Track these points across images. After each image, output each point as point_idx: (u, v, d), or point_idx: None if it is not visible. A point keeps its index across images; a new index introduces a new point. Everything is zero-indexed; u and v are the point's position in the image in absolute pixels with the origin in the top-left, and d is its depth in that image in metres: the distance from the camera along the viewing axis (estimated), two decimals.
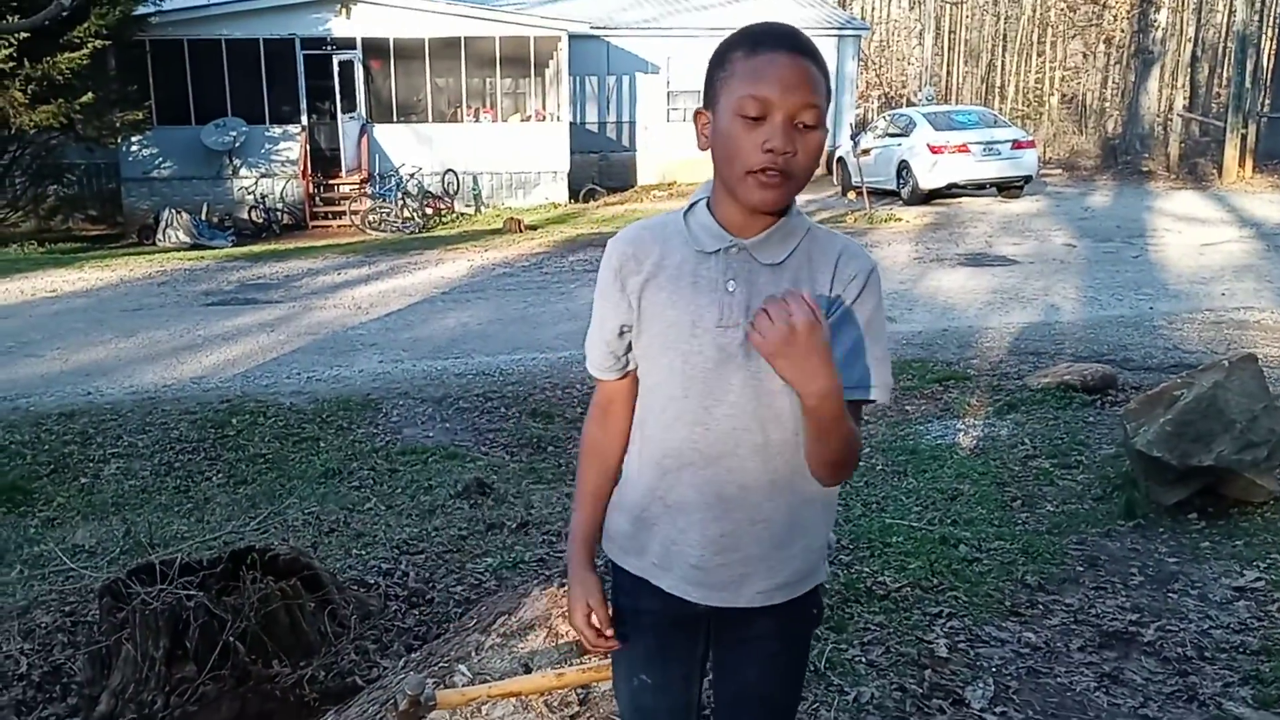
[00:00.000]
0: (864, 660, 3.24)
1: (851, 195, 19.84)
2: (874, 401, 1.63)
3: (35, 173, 20.83)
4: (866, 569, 3.84)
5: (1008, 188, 19.09)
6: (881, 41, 47.90)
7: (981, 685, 3.12)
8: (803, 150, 1.55)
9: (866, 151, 19.49)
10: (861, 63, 31.86)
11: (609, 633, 1.80)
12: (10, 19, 11.09)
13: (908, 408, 6.65)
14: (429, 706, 1.83)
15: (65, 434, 6.81)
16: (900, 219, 16.70)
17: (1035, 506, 4.68)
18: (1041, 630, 3.48)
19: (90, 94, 17.91)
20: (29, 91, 17.30)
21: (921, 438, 5.88)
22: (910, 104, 37.15)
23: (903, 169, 18.96)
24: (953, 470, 5.22)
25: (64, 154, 20.76)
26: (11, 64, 16.85)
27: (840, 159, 21.65)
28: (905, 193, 18.89)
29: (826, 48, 25.76)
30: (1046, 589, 3.79)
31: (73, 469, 6.28)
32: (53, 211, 20.97)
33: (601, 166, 25.17)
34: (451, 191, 22.14)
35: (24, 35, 16.61)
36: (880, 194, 18.92)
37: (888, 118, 21.95)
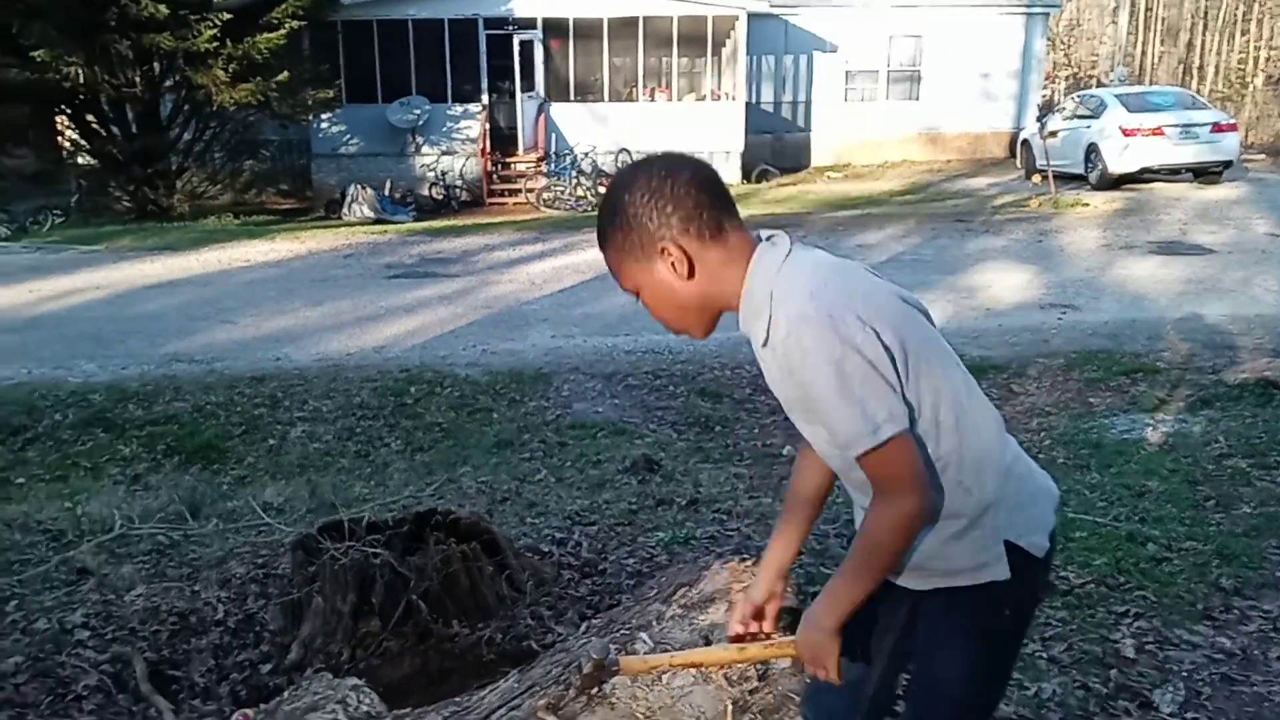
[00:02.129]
0: (1045, 656, 3.13)
1: (1036, 179, 19.16)
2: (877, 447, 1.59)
3: (233, 148, 21.92)
4: None
5: (1205, 173, 18.10)
6: (1071, 20, 46.01)
7: (1171, 689, 2.98)
8: (647, 306, 1.75)
9: (1053, 134, 18.77)
10: (1049, 42, 30.72)
11: None
12: None
13: (1091, 400, 6.40)
14: (612, 671, 1.85)
15: (256, 397, 7.15)
16: (1087, 204, 16.04)
17: (1230, 507, 4.43)
18: (1237, 636, 3.30)
19: (286, 73, 18.71)
20: (230, 70, 18.19)
21: (1106, 431, 5.65)
22: (1101, 85, 35.63)
23: (1091, 152, 18.19)
24: (1140, 466, 4.99)
25: (260, 130, 21.75)
26: (215, 44, 17.74)
27: (1025, 141, 20.93)
28: (1093, 177, 18.12)
29: (1013, 26, 24.94)
30: (1243, 593, 3.59)
31: (262, 430, 6.59)
32: (248, 185, 22.04)
33: (775, 147, 24.95)
34: None
35: (227, 16, 17.48)
36: (1066, 178, 18.20)
37: (1077, 99, 21.07)
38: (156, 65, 19.42)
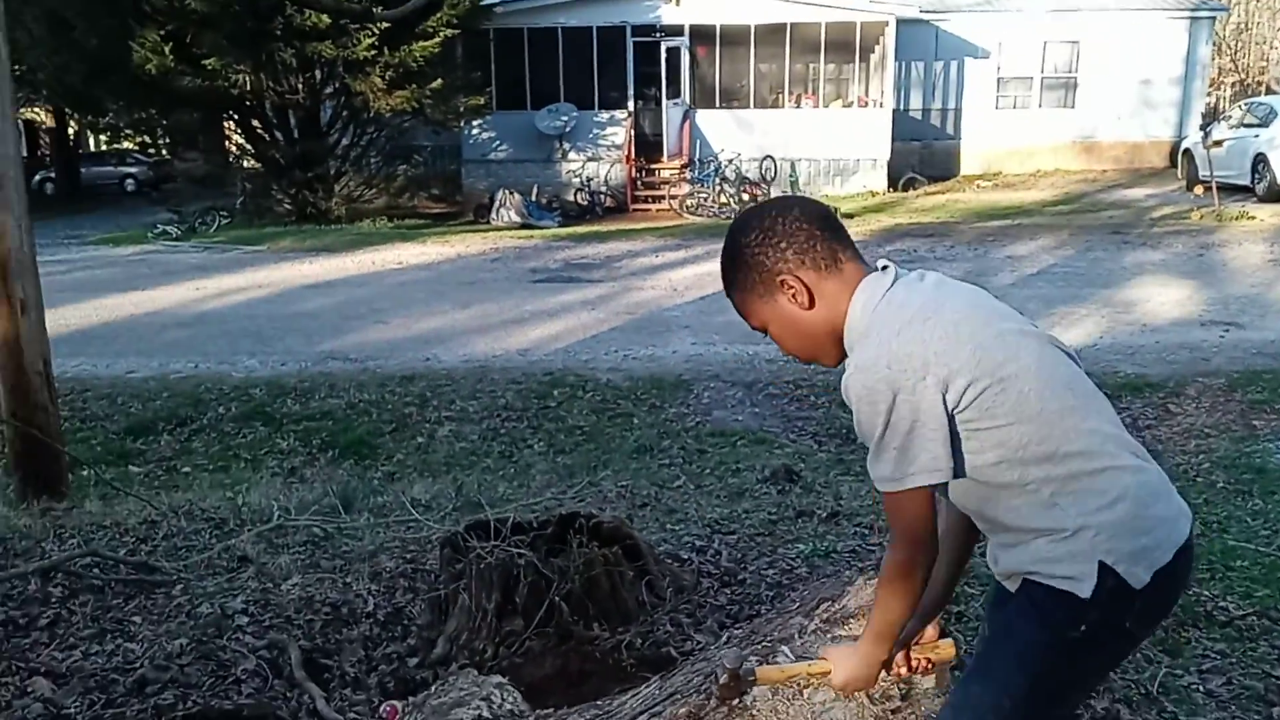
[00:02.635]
0: (1201, 689, 3.01)
1: (1198, 190, 18.39)
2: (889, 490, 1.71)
3: (388, 153, 22.61)
4: (1206, 592, 3.56)
5: None
6: (1239, 23, 43.91)
7: None
8: (776, 340, 1.85)
9: (1218, 143, 17.96)
10: (1215, 47, 29.46)
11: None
12: (378, 9, 12.04)
13: (1255, 423, 6.13)
14: (749, 682, 1.86)
15: (406, 395, 7.38)
16: (1254, 217, 15.32)
17: None
18: None
19: (439, 80, 19.25)
20: (386, 78, 18.80)
21: (1270, 456, 5.40)
22: (1270, 92, 34.00)
23: (1259, 162, 17.35)
24: None
25: (413, 136, 22.38)
26: (373, 52, 18.35)
27: (1186, 151, 20.11)
28: (1261, 189, 17.29)
29: (1176, 30, 24.00)
30: None
31: (411, 428, 6.80)
32: (401, 190, 22.66)
33: (923, 155, 24.51)
34: (768, 178, 22.20)
35: (385, 25, 18.04)
36: (1231, 189, 17.42)
37: (1244, 106, 20.13)
38: (318, 73, 20.17)
